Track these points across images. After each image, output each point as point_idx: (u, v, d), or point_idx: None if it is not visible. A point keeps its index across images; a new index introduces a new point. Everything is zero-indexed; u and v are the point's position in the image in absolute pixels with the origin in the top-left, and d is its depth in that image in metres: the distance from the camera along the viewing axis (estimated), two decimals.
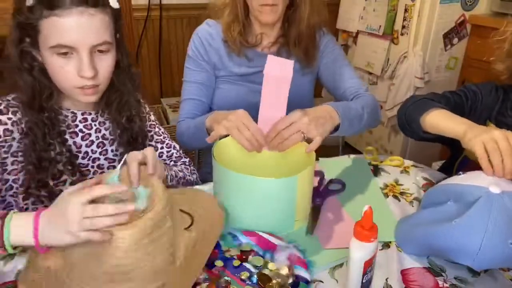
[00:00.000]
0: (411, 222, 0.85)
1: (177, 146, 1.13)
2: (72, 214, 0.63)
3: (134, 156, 0.77)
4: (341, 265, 0.77)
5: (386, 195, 0.99)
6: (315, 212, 0.91)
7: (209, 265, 0.74)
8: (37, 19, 0.79)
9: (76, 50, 0.81)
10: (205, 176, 1.21)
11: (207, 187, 0.99)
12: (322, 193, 0.97)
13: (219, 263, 0.74)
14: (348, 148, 2.75)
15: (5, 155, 0.87)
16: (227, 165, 0.83)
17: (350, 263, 0.66)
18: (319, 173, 1.04)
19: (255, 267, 0.73)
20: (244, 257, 0.75)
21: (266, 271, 0.72)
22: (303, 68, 1.25)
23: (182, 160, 1.13)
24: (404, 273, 0.75)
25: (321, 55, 1.28)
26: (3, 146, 0.86)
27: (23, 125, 0.87)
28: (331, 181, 1.02)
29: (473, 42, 2.18)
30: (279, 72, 0.90)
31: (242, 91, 1.23)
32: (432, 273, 0.76)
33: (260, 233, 0.79)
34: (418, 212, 0.90)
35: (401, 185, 1.04)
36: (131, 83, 0.98)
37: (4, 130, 0.86)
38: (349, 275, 0.68)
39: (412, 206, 0.95)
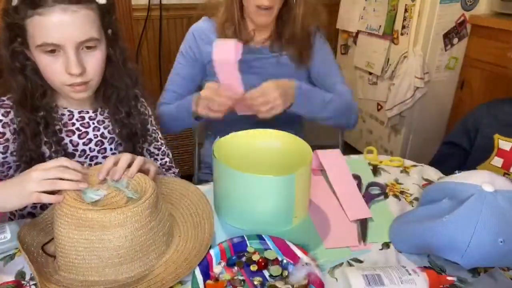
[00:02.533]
0: (404, 219, 0.86)
1: (170, 154, 1.14)
2: (34, 175, 0.69)
3: (118, 156, 0.81)
4: (341, 264, 0.77)
5: (386, 195, 0.99)
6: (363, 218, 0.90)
7: (230, 262, 0.76)
8: (23, 19, 0.80)
9: (62, 48, 0.81)
10: (205, 176, 1.21)
11: (207, 187, 0.99)
12: (365, 197, 0.97)
13: (240, 264, 0.76)
14: (348, 148, 2.75)
15: (4, 155, 0.87)
16: (227, 162, 0.84)
17: None
18: (356, 177, 1.04)
19: (271, 276, 0.73)
20: (264, 264, 0.75)
21: (280, 284, 0.71)
22: (297, 67, 1.27)
23: (172, 170, 1.13)
24: None
25: (314, 56, 1.29)
26: None
27: (15, 126, 0.87)
28: (369, 185, 1.02)
29: (473, 42, 2.18)
30: (225, 56, 0.97)
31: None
32: None
33: (288, 242, 0.79)
34: (413, 209, 0.90)
35: (401, 184, 1.04)
36: (129, 78, 0.97)
37: None
38: None
39: (412, 206, 0.96)
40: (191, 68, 1.27)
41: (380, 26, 2.35)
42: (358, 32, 2.55)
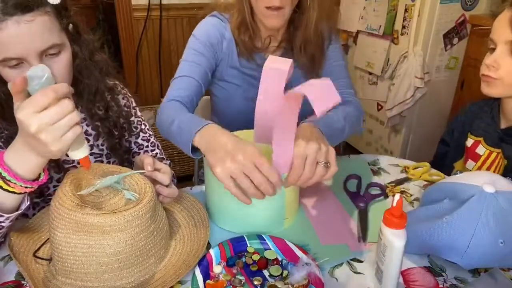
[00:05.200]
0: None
1: (160, 146, 1.13)
2: (32, 127, 0.62)
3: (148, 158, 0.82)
4: (341, 264, 0.77)
5: (386, 196, 0.99)
6: (363, 217, 0.90)
7: (230, 262, 0.76)
8: None
9: (25, 60, 0.77)
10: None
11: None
12: (365, 197, 0.97)
13: (239, 264, 0.75)
14: (348, 148, 2.75)
15: None
16: None
17: (391, 254, 0.66)
18: (356, 177, 1.04)
19: (271, 276, 0.73)
20: (264, 264, 0.75)
21: (280, 284, 0.71)
22: (307, 74, 1.17)
23: (163, 162, 1.12)
24: (404, 273, 0.75)
25: (325, 64, 1.18)
26: None
27: (3, 134, 0.84)
28: (369, 185, 1.02)
29: (473, 42, 2.18)
30: (277, 66, 0.89)
31: (247, 86, 1.18)
32: (433, 273, 0.76)
33: (288, 242, 0.79)
34: (413, 209, 0.90)
35: (401, 184, 1.04)
36: (97, 70, 0.94)
37: None
38: (388, 268, 0.67)
39: (413, 207, 0.95)
40: (207, 57, 1.11)
41: (380, 26, 2.35)
42: (358, 32, 2.55)
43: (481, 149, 1.06)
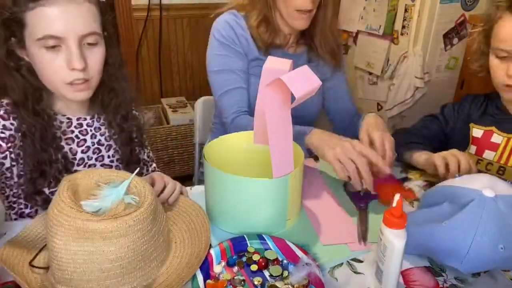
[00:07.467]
0: None
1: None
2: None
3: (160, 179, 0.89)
4: (341, 264, 0.77)
5: None
6: (363, 217, 0.90)
7: (230, 262, 0.76)
8: (23, 12, 0.77)
9: (64, 42, 0.79)
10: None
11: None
12: (365, 197, 0.97)
13: (240, 264, 0.75)
14: None
15: (13, 163, 0.85)
16: (218, 166, 0.83)
17: (391, 254, 0.66)
18: None
19: (271, 276, 0.73)
20: (264, 264, 0.75)
21: (280, 284, 0.71)
22: (333, 71, 1.26)
23: (153, 165, 1.13)
24: (404, 273, 0.75)
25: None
26: (11, 152, 0.84)
27: (14, 131, 0.84)
28: None
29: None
30: (277, 67, 0.89)
31: None
32: (433, 273, 0.76)
33: (288, 243, 0.79)
34: (413, 211, 0.90)
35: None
36: (125, 81, 0.95)
37: (10, 136, 0.83)
38: (388, 267, 0.67)
39: (413, 207, 0.96)
40: (239, 57, 1.15)
41: (380, 26, 2.35)
42: (358, 32, 2.55)
43: (497, 138, 1.06)
